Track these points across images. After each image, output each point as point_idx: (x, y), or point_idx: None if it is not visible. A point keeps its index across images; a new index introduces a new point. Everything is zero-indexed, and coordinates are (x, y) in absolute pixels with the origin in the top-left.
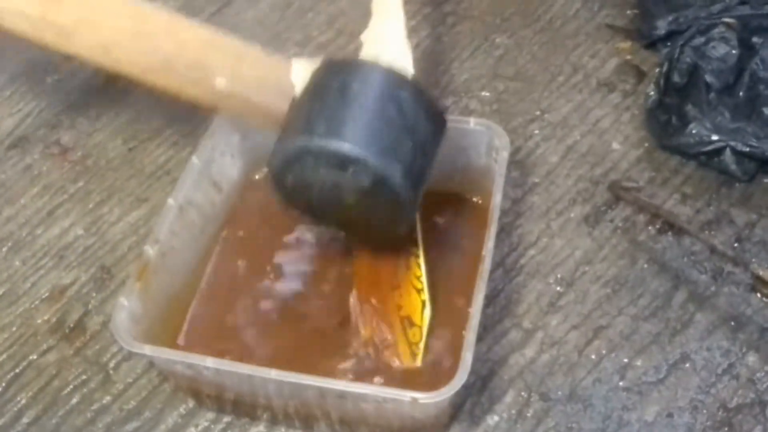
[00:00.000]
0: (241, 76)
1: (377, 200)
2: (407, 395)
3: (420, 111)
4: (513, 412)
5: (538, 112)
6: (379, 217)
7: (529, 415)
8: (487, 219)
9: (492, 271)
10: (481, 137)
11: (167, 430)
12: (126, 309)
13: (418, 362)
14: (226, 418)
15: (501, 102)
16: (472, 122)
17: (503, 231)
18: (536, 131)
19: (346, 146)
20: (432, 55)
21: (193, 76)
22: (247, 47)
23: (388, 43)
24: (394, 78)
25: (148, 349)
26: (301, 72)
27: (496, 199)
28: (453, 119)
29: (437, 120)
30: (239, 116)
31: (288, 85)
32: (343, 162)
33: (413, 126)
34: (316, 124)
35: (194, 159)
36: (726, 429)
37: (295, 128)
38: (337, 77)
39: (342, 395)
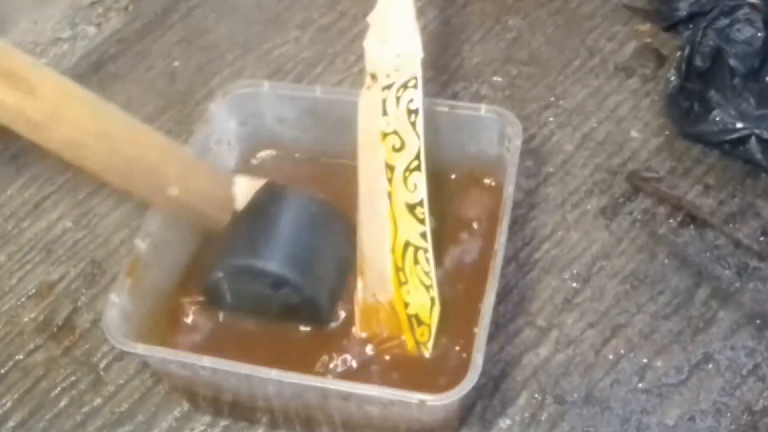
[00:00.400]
0: (190, 188)
1: (300, 310)
2: (415, 397)
3: (347, 242)
4: (526, 415)
5: (552, 99)
6: (299, 317)
7: (543, 418)
8: (500, 204)
9: (504, 266)
10: (492, 125)
11: None
12: (117, 306)
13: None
14: (223, 422)
15: (514, 87)
16: (483, 109)
17: (516, 223)
18: (551, 118)
19: (286, 272)
20: (441, 37)
21: (149, 182)
22: (198, 161)
23: (396, 25)
24: (327, 212)
25: (141, 348)
26: (243, 188)
27: (509, 191)
28: (463, 106)
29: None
30: (185, 220)
31: (230, 200)
32: (279, 283)
33: (340, 256)
34: (259, 246)
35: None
36: None
37: (238, 246)
38: (278, 205)
39: (346, 397)
